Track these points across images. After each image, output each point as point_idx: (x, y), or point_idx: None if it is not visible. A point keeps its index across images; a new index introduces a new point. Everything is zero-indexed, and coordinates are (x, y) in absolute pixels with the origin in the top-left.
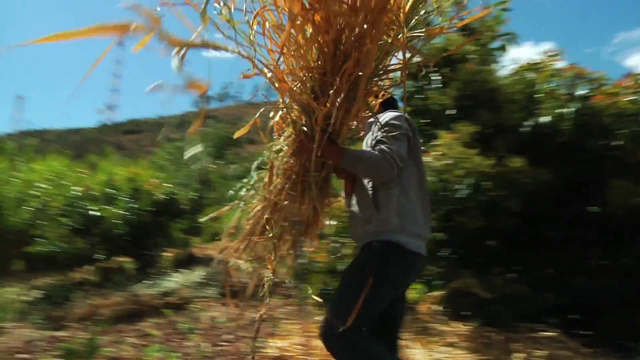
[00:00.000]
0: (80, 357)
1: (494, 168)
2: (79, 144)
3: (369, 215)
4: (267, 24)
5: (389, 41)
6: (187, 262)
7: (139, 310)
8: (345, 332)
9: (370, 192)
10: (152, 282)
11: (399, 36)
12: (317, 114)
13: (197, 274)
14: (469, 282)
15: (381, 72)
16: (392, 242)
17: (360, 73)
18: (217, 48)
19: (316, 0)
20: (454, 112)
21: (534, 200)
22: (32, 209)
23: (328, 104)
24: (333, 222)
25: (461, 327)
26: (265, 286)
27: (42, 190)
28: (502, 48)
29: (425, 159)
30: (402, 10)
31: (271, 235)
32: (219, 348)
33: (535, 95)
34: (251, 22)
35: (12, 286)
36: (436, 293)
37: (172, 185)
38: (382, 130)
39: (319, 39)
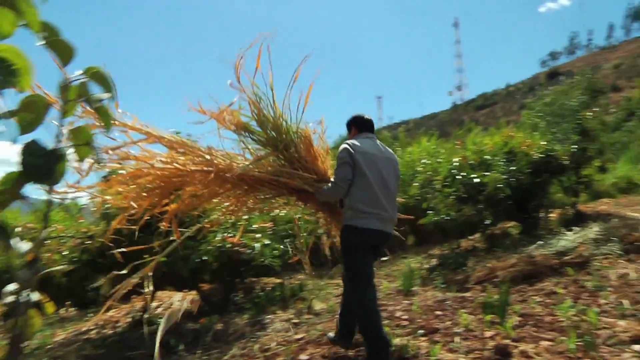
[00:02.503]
0: (494, 311)
1: None
2: (438, 127)
3: (340, 212)
4: None
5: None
6: (576, 220)
7: (535, 270)
8: (354, 286)
9: (339, 201)
10: (544, 243)
11: None
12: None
13: (592, 231)
14: None
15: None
16: (348, 225)
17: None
18: None
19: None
20: None
21: None
22: (418, 184)
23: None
24: None
25: None
26: None
27: (424, 167)
28: None
29: None
30: None
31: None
32: None
33: None
34: None
35: (410, 258)
36: None
37: (548, 143)
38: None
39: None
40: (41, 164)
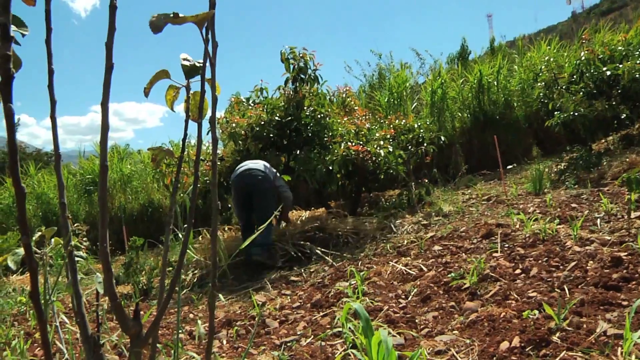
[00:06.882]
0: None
1: None
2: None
3: None
4: None
5: None
6: None
7: None
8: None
9: None
10: None
11: None
12: None
13: None
14: None
15: None
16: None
17: None
18: None
19: None
20: None
21: None
22: (541, 85)
23: None
24: None
25: None
26: None
27: (547, 64)
28: None
29: None
30: None
31: None
32: None
33: None
34: None
35: (537, 165)
36: None
37: None
38: None
39: None
40: None
